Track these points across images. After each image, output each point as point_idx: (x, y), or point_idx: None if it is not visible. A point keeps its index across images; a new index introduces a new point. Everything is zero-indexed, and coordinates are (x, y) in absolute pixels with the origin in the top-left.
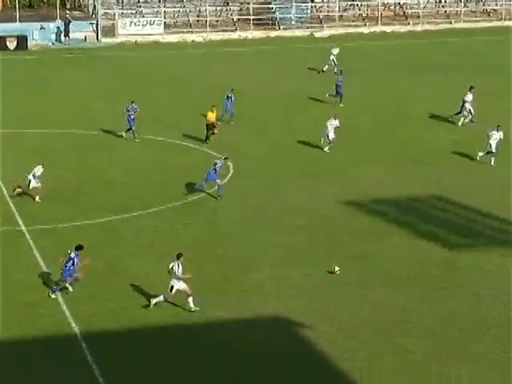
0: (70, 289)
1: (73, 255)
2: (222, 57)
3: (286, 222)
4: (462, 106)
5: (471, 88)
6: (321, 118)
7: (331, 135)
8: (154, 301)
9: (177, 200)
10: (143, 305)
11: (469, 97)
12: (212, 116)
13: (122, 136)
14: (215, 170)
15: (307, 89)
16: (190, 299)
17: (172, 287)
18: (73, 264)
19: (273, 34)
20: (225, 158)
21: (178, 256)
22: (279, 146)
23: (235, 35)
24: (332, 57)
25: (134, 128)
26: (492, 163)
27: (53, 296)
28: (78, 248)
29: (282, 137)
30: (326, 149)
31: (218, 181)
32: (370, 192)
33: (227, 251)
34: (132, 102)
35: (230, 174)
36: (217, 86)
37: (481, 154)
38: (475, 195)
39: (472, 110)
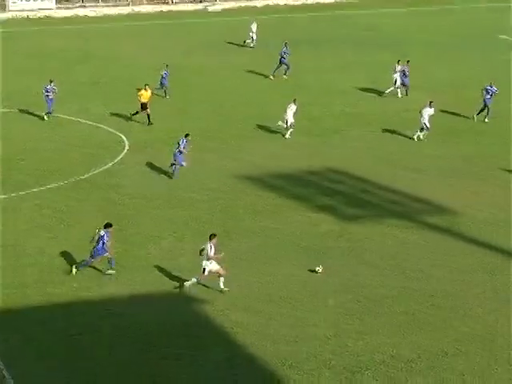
0: (111, 272)
1: (102, 233)
2: (121, 32)
3: (185, 198)
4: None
5: (399, 61)
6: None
7: (290, 120)
8: (187, 284)
9: (76, 176)
10: (175, 286)
11: (398, 68)
12: (146, 95)
13: (41, 116)
14: (180, 151)
15: (220, 63)
16: (222, 279)
17: (204, 269)
18: (103, 243)
19: (165, 8)
20: (186, 136)
21: (211, 237)
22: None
23: (128, 9)
24: (251, 32)
25: (51, 108)
26: (421, 137)
27: (74, 270)
28: (108, 226)
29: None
30: (287, 135)
31: (184, 163)
32: (266, 166)
33: (125, 227)
34: (51, 82)
35: (126, 150)
36: (123, 63)
37: (417, 134)
38: (371, 168)
39: (399, 83)
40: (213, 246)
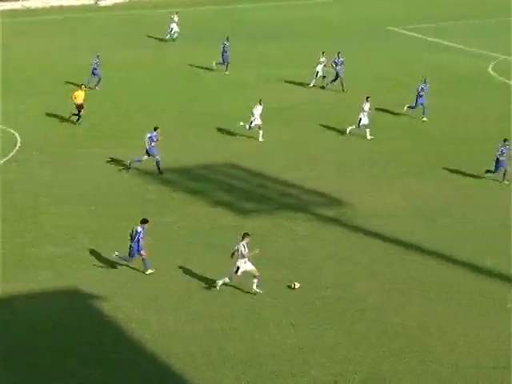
0: (150, 271)
1: (139, 229)
2: (12, 29)
3: (77, 194)
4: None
5: (323, 53)
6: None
7: (256, 122)
8: (219, 282)
9: None
10: (204, 286)
11: (322, 59)
12: (81, 96)
13: None
14: (151, 144)
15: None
16: (256, 281)
17: (238, 268)
18: (138, 240)
19: (55, 2)
20: (155, 128)
21: (244, 236)
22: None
23: (17, 5)
24: (173, 24)
25: None
26: (368, 136)
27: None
28: (144, 221)
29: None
30: (260, 139)
31: (158, 157)
32: (164, 162)
33: (20, 225)
34: None
35: (17, 148)
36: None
37: (351, 129)
38: (268, 163)
39: (320, 74)
40: (246, 246)
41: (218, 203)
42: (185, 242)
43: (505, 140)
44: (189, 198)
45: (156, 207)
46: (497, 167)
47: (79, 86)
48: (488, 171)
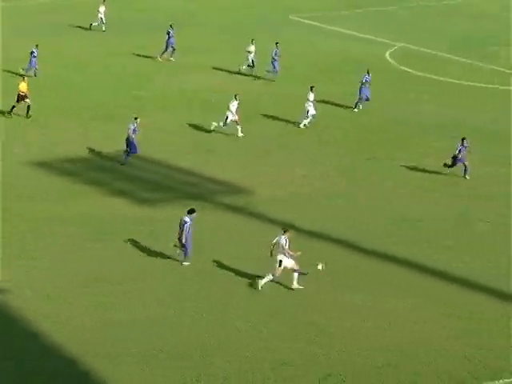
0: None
1: (187, 219)
2: None
3: None
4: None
5: (252, 40)
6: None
7: (231, 117)
8: (262, 281)
9: None
10: (248, 284)
11: (251, 48)
12: (25, 86)
13: None
14: (133, 133)
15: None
16: (296, 276)
17: (281, 262)
18: (187, 230)
19: None
20: (135, 118)
21: (285, 231)
22: None
23: None
24: (100, 14)
25: None
26: (301, 125)
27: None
28: (191, 211)
29: None
30: (239, 134)
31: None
32: (61, 152)
33: None
34: None
35: None
36: None
37: (304, 122)
38: (150, 151)
39: (253, 62)
40: (287, 240)
41: (118, 193)
42: (85, 232)
43: (463, 139)
44: (86, 188)
45: (53, 198)
46: (454, 163)
47: (22, 77)
48: (447, 165)
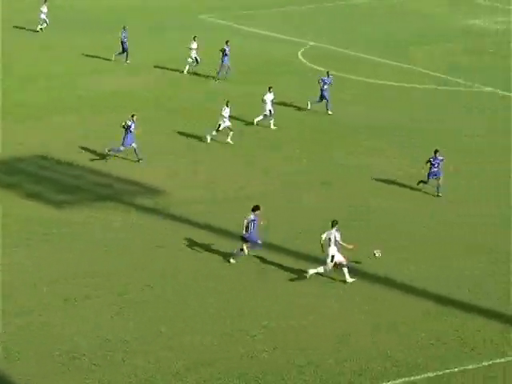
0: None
1: (252, 217)
2: None
3: None
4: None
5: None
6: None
7: (225, 124)
8: (311, 271)
9: None
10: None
11: (194, 45)
12: None
13: None
14: (130, 131)
15: None
16: (346, 270)
17: (333, 257)
18: (254, 227)
19: None
20: (132, 116)
21: (333, 224)
22: None
23: None
24: (42, 15)
25: None
26: (272, 126)
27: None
28: (256, 208)
29: None
30: (229, 139)
31: (134, 144)
32: None
33: None
34: None
35: None
36: None
37: (257, 119)
38: (83, 154)
39: (197, 59)
40: (338, 233)
41: (31, 196)
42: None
43: (435, 151)
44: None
45: None
46: (429, 177)
47: None
48: (422, 181)
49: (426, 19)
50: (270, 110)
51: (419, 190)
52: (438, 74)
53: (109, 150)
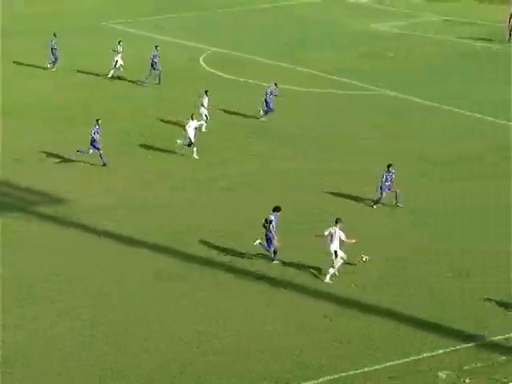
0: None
1: (272, 217)
2: None
3: None
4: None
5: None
6: None
7: (191, 136)
8: (328, 277)
9: None
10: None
11: (118, 48)
12: None
13: None
14: (94, 138)
15: None
16: (332, 271)
17: (335, 252)
18: (273, 227)
19: None
20: (97, 120)
21: (337, 221)
22: None
23: None
24: None
25: None
26: (195, 155)
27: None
28: (276, 209)
29: None
30: (194, 155)
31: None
32: None
33: None
34: None
35: None
36: None
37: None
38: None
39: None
40: (343, 233)
41: None
42: None
43: (388, 166)
44: None
45: None
46: (381, 192)
47: None
48: (376, 202)
49: (325, 24)
50: (206, 115)
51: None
52: (337, 78)
53: (77, 151)
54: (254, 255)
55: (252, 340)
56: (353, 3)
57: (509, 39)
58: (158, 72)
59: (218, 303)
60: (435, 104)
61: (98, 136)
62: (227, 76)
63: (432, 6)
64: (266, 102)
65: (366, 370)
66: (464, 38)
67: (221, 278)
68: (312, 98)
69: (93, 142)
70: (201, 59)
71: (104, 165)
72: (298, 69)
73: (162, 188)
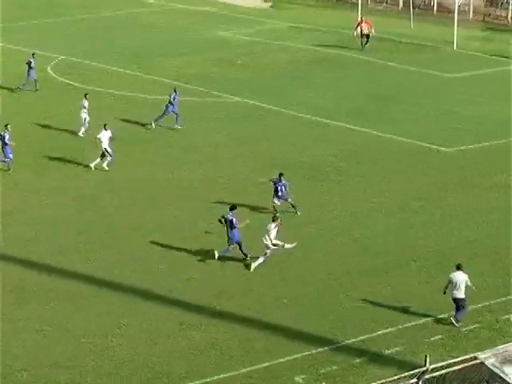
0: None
1: (230, 217)
2: None
3: None
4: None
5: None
6: None
7: (106, 146)
8: (254, 264)
9: None
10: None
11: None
12: None
13: None
14: (5, 143)
15: None
16: (262, 259)
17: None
18: (234, 227)
19: None
20: (5, 126)
21: (274, 219)
22: None
23: None
24: None
25: None
26: (80, 133)
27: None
28: (233, 208)
29: None
30: (104, 165)
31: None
32: None
33: None
34: None
35: None
36: None
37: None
38: None
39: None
40: (276, 227)
41: None
42: None
43: (280, 175)
44: None
45: None
46: (276, 198)
47: None
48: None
49: (172, 32)
50: (84, 119)
51: None
52: (183, 84)
53: None
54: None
55: (101, 351)
56: (199, 11)
57: (363, 46)
58: (32, 80)
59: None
60: (284, 110)
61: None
62: (76, 84)
63: (279, 13)
64: (167, 108)
65: (221, 376)
66: (310, 44)
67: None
68: (160, 105)
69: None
70: (49, 68)
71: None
72: (147, 76)
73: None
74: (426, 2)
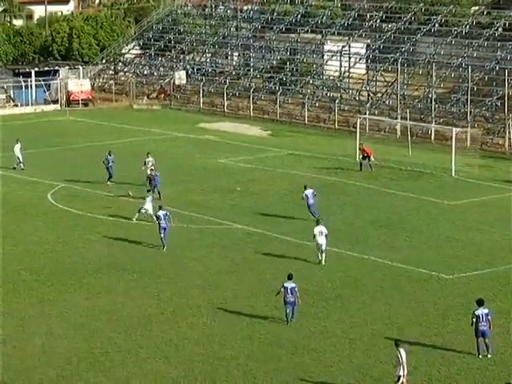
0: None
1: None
2: None
3: None
4: None
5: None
6: None
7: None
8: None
9: None
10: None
11: None
12: None
13: None
14: None
15: None
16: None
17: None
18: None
19: None
20: None
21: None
22: None
23: None
24: None
25: None
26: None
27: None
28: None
29: None
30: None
31: None
32: None
33: None
34: None
35: None
36: None
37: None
38: None
39: None
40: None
41: None
42: None
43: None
44: None
45: None
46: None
47: None
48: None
49: (173, 159)
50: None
51: None
52: (185, 212)
53: None
54: None
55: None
56: (200, 139)
57: (372, 169)
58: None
59: None
60: (285, 237)
61: None
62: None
63: (278, 141)
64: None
65: None
66: (310, 171)
67: None
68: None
69: None
70: (49, 195)
71: None
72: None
73: None
74: (424, 130)
